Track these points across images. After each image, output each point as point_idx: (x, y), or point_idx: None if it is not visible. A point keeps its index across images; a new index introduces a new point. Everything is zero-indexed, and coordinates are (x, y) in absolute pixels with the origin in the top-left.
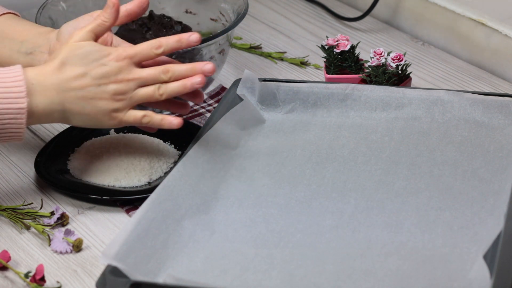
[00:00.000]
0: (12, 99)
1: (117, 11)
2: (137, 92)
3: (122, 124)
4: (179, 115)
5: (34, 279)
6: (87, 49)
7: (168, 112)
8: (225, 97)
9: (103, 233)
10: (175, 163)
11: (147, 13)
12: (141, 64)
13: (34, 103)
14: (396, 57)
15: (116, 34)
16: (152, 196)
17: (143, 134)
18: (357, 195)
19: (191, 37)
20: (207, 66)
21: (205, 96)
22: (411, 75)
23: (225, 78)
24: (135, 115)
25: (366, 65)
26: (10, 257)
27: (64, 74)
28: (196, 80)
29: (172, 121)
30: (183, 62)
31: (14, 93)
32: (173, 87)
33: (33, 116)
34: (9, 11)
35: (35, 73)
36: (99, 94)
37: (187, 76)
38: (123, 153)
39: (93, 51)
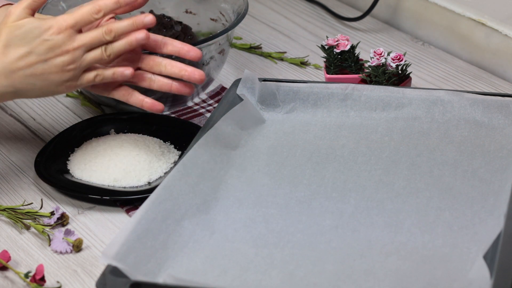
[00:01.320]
0: None
1: None
2: (85, 57)
3: (77, 88)
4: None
5: (34, 279)
6: (27, 27)
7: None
8: (225, 97)
9: (103, 233)
10: (175, 163)
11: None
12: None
13: None
14: (396, 57)
15: None
16: (152, 196)
17: (143, 134)
18: (357, 195)
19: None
20: (147, 18)
21: (205, 96)
22: (411, 75)
23: (225, 78)
24: (88, 77)
25: (366, 65)
26: (10, 257)
27: (8, 57)
28: (140, 36)
29: (123, 71)
30: (183, 62)
31: None
32: (119, 45)
33: None
34: (8, 2)
35: None
36: (48, 69)
37: (130, 32)
38: (123, 153)
39: (33, 28)
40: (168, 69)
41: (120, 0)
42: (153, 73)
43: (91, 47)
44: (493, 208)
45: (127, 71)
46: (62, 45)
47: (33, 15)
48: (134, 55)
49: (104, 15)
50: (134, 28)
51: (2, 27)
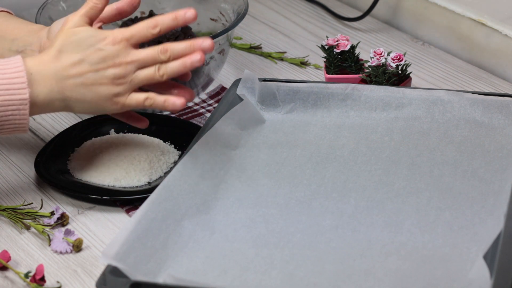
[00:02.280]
0: (14, 90)
1: None
2: (137, 74)
3: (125, 108)
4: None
5: (34, 279)
6: (82, 34)
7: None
8: (225, 97)
9: (103, 233)
10: (175, 163)
11: (147, 13)
12: (138, 46)
13: (35, 93)
14: (396, 57)
15: None
16: (152, 196)
17: (143, 134)
18: (357, 195)
19: (187, 14)
20: (205, 42)
21: (205, 96)
22: (411, 75)
23: (225, 78)
24: (137, 98)
25: (366, 65)
26: (10, 257)
27: (61, 62)
28: (195, 58)
29: (175, 101)
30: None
31: (16, 84)
32: (173, 67)
33: (35, 106)
34: (2, 9)
35: (34, 63)
36: (99, 80)
37: (186, 54)
38: (123, 153)
39: (88, 36)
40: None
41: (178, 17)
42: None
43: (144, 65)
44: (493, 208)
45: (179, 101)
46: (115, 57)
47: (90, 24)
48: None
49: (161, 32)
50: (191, 51)
51: (59, 33)
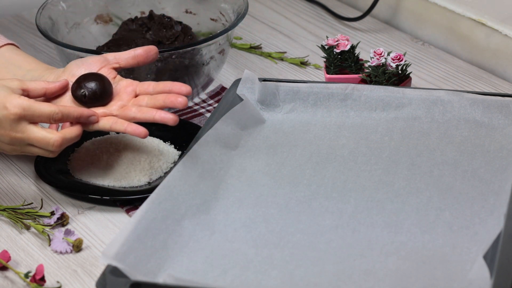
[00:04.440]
0: None
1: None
2: (30, 149)
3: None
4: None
5: (34, 279)
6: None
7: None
8: (225, 97)
9: (103, 233)
10: (175, 163)
11: (147, 13)
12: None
13: None
14: (396, 57)
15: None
16: (152, 196)
17: None
18: (357, 195)
19: (90, 118)
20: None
21: (205, 96)
22: (411, 75)
23: (225, 78)
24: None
25: (366, 65)
26: (10, 257)
27: None
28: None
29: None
30: (183, 62)
31: None
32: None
33: None
34: (10, 42)
35: None
36: None
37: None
38: (123, 153)
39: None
40: (156, 100)
41: (82, 117)
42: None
43: (35, 145)
44: (493, 208)
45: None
46: (6, 128)
47: (24, 93)
48: (127, 98)
49: (62, 121)
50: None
51: None
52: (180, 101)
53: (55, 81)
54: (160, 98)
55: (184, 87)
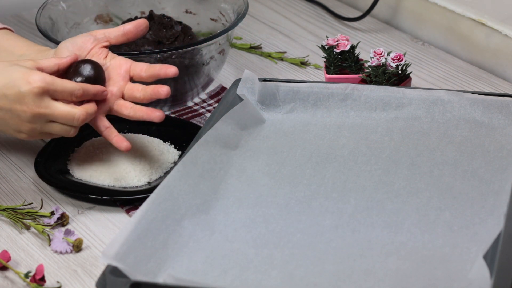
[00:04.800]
0: None
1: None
2: (50, 126)
3: (32, 139)
4: None
5: (34, 279)
6: (14, 69)
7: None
8: (225, 97)
9: (103, 233)
10: (175, 163)
11: (147, 13)
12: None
13: None
14: (396, 57)
15: None
16: (152, 196)
17: (143, 134)
18: (357, 195)
19: (104, 93)
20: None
21: (205, 96)
22: (411, 75)
23: (225, 78)
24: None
25: (366, 65)
26: (10, 257)
27: None
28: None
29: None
30: (183, 62)
31: None
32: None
33: None
34: (5, 26)
35: None
36: (8, 115)
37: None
38: (123, 153)
39: (19, 73)
40: (145, 91)
41: (99, 95)
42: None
43: (57, 121)
44: (493, 208)
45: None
46: (30, 103)
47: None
48: (122, 81)
49: (82, 98)
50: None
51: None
52: (164, 90)
53: (66, 56)
54: (149, 91)
55: (171, 69)
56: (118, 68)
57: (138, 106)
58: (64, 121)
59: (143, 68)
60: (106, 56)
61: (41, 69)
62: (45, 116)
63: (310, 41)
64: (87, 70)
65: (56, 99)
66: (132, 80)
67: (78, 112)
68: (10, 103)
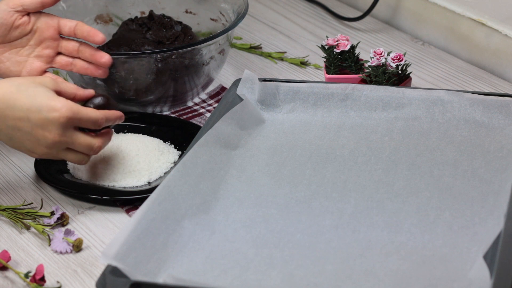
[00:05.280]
0: None
1: None
2: (66, 153)
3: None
4: None
5: (34, 279)
6: (40, 90)
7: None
8: (225, 97)
9: (103, 233)
10: (175, 163)
11: (147, 13)
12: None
13: None
14: (396, 57)
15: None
16: (152, 196)
17: (143, 134)
18: (357, 195)
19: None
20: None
21: (205, 96)
22: (411, 75)
23: (225, 78)
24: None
25: (366, 65)
26: (10, 257)
27: (9, 105)
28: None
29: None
30: (183, 62)
31: None
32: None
33: None
34: None
35: None
36: (28, 136)
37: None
38: (123, 153)
39: (43, 97)
40: (82, 53)
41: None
42: (73, 57)
43: (75, 149)
44: (493, 208)
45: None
46: (53, 129)
47: (57, 92)
48: (54, 41)
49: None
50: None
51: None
52: (100, 73)
53: (85, 89)
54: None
55: (99, 36)
56: (46, 30)
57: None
58: (81, 150)
59: (71, 27)
60: (29, 22)
61: (59, 93)
62: (66, 144)
63: (310, 41)
64: (98, 99)
65: (77, 128)
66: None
67: (96, 143)
68: (32, 127)
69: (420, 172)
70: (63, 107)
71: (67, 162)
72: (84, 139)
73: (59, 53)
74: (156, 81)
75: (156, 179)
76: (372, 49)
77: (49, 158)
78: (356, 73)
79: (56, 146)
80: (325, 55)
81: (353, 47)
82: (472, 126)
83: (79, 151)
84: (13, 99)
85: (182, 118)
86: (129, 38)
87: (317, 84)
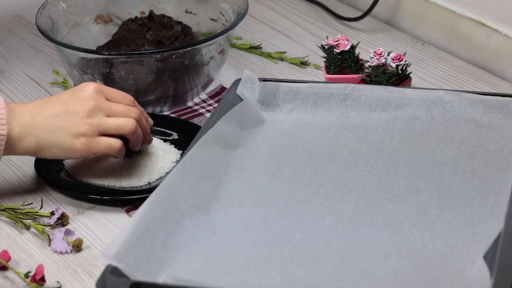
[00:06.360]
0: None
1: None
2: (106, 119)
3: (92, 150)
4: None
5: (34, 279)
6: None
7: None
8: (225, 97)
9: (103, 233)
10: (175, 163)
11: (147, 13)
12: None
13: (11, 126)
14: (396, 57)
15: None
16: (152, 196)
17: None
18: (357, 195)
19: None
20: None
21: (205, 96)
22: (411, 75)
23: (225, 78)
24: (106, 142)
25: (366, 65)
26: (10, 257)
27: (41, 104)
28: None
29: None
30: (183, 62)
31: None
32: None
33: (10, 141)
34: None
35: (17, 104)
36: (68, 116)
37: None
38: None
39: (70, 94)
40: None
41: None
42: None
43: (114, 114)
44: (493, 208)
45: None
46: (87, 97)
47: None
48: None
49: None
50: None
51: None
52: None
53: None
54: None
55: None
56: None
57: None
58: (121, 113)
59: None
60: None
61: None
62: (102, 109)
63: (310, 41)
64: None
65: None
66: None
67: (132, 108)
68: (66, 103)
69: (420, 172)
70: (90, 83)
71: (67, 162)
72: (118, 104)
73: None
74: (156, 81)
75: (156, 179)
76: (372, 49)
77: (91, 146)
78: (356, 73)
79: (95, 113)
80: (325, 55)
81: (353, 47)
82: (472, 126)
83: (119, 115)
84: (47, 98)
85: (182, 118)
86: (129, 38)
87: (317, 84)
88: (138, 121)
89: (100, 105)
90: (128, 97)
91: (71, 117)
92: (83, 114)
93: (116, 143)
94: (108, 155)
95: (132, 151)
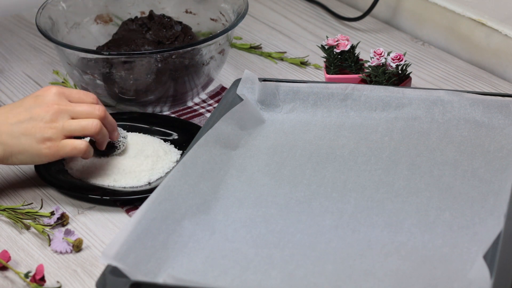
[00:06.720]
0: None
1: None
2: (70, 122)
3: (59, 154)
4: None
5: (34, 279)
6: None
7: None
8: (225, 97)
9: (103, 233)
10: (175, 163)
11: (147, 13)
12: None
13: None
14: (396, 57)
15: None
16: (152, 196)
17: (143, 134)
18: (357, 195)
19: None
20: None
21: (205, 96)
22: (411, 75)
23: (225, 78)
24: (72, 144)
25: (366, 65)
26: (10, 257)
27: (6, 111)
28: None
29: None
30: (183, 62)
31: None
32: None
33: None
34: None
35: None
36: (33, 122)
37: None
38: (123, 153)
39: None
40: None
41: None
42: None
43: (78, 116)
44: (493, 208)
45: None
46: (50, 102)
47: None
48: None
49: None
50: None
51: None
52: None
53: None
54: None
55: None
56: None
57: None
58: (84, 114)
59: None
60: None
61: None
62: (66, 111)
63: (310, 41)
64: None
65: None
66: None
67: (97, 106)
68: (29, 110)
69: (420, 172)
70: (50, 86)
71: (66, 162)
72: (82, 105)
73: None
74: (156, 81)
75: (156, 179)
76: (372, 49)
77: (58, 150)
78: (356, 73)
79: (59, 117)
80: (325, 55)
81: (353, 47)
82: (472, 126)
83: (84, 116)
84: (9, 106)
85: (182, 118)
86: (129, 38)
87: (317, 84)
88: (103, 118)
89: (63, 108)
90: (91, 96)
91: (36, 123)
92: (47, 119)
93: (81, 144)
94: (76, 156)
95: (109, 150)
